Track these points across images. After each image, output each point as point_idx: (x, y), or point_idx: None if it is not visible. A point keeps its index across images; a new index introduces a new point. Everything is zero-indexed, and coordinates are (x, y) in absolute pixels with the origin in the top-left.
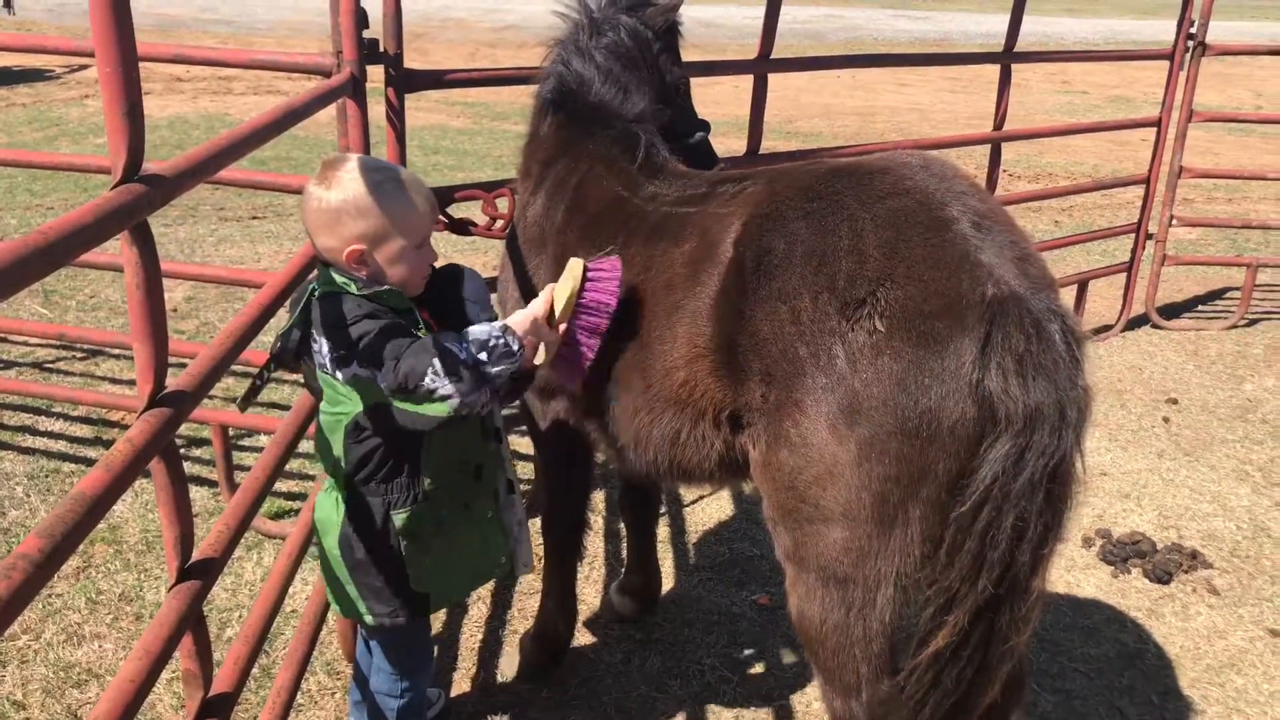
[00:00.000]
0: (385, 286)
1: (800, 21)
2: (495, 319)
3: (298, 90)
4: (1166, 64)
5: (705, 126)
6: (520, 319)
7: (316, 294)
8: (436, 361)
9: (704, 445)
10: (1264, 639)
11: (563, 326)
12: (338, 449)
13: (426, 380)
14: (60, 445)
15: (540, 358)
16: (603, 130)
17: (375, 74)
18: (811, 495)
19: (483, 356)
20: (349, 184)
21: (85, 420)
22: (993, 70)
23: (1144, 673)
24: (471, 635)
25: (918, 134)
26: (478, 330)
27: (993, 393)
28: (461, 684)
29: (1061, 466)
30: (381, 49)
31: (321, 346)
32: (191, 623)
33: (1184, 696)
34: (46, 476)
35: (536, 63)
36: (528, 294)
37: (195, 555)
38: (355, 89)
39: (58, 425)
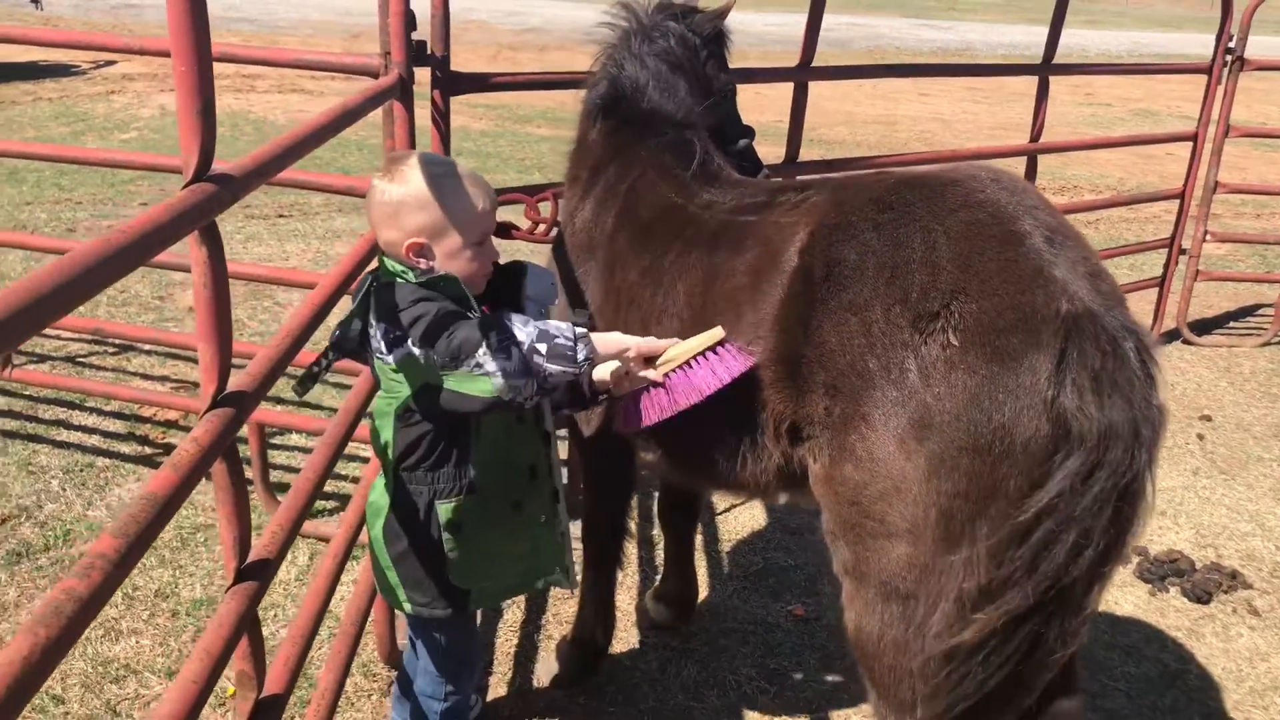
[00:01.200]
0: (443, 273)
1: (823, 29)
2: (581, 312)
3: (322, 90)
4: (1196, 77)
5: (750, 133)
6: (611, 340)
7: (378, 283)
8: (492, 336)
9: (762, 457)
10: None
11: (658, 375)
12: (387, 434)
13: (478, 353)
14: (95, 440)
15: (617, 389)
16: (655, 137)
17: (417, 74)
18: (876, 510)
19: (541, 348)
20: (411, 178)
21: (118, 415)
22: (1014, 81)
23: (1186, 694)
24: (507, 640)
25: (940, 143)
26: (554, 324)
27: (1068, 410)
28: (497, 688)
29: (1133, 486)
30: (429, 51)
31: (377, 331)
32: (248, 624)
33: (1228, 719)
34: (81, 471)
35: (559, 65)
36: (574, 300)
37: (250, 556)
38: (403, 91)
39: (91, 420)
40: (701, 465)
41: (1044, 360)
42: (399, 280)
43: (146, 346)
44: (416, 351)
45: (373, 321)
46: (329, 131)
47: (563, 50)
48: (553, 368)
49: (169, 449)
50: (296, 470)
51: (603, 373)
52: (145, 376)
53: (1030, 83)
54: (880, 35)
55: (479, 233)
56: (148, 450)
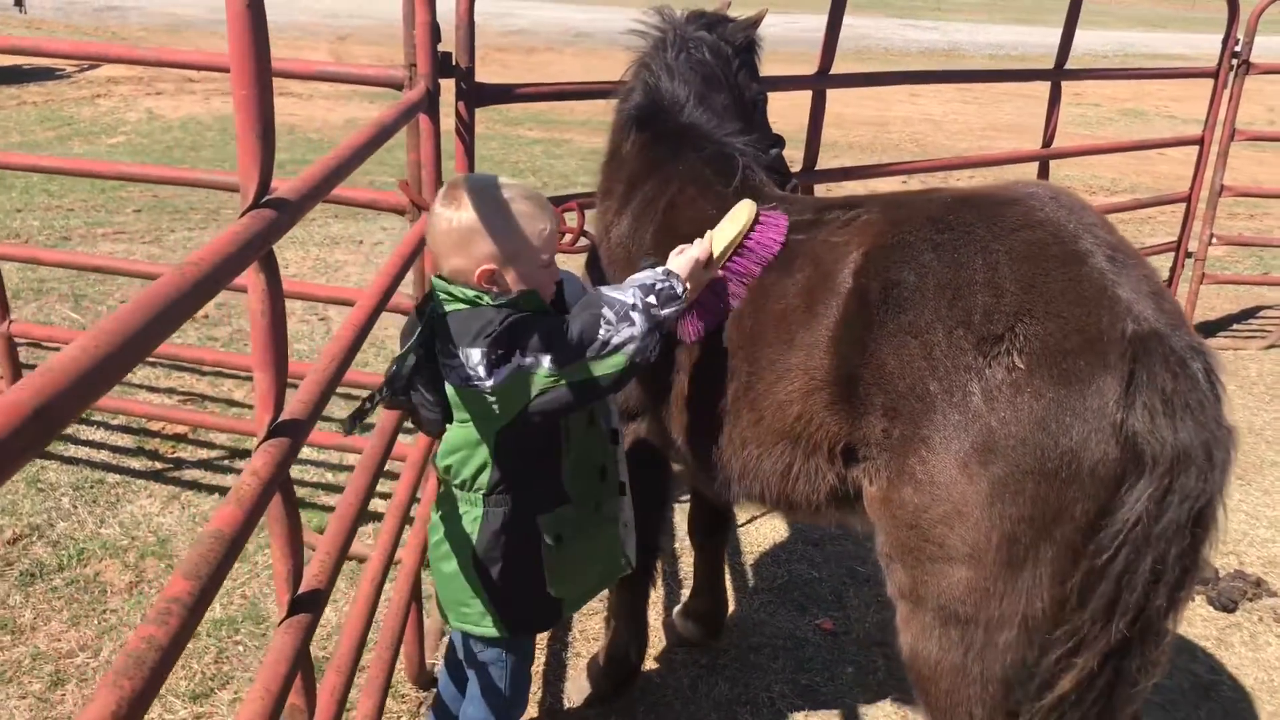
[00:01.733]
0: (521, 289)
1: (810, 30)
2: (650, 254)
3: (310, 93)
4: (1181, 80)
5: (780, 142)
6: (682, 262)
7: (439, 314)
8: (607, 311)
9: (816, 479)
10: None
11: (720, 271)
12: (477, 462)
13: (601, 331)
14: (103, 455)
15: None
16: (694, 151)
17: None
18: (936, 534)
19: (651, 300)
20: (479, 204)
21: (126, 430)
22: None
23: (1220, 706)
24: (536, 659)
25: (933, 144)
26: (640, 275)
27: (1138, 433)
28: (529, 709)
29: (1207, 509)
30: (454, 62)
31: (467, 358)
32: (304, 659)
33: None
34: (92, 487)
35: (546, 66)
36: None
37: (301, 587)
38: (430, 104)
39: (99, 435)
40: (751, 484)
41: (1112, 383)
42: (470, 307)
43: (149, 359)
44: (528, 361)
45: (453, 352)
46: (369, 149)
47: (550, 51)
48: (667, 311)
49: (179, 464)
50: (306, 484)
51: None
52: (151, 389)
53: (1013, 84)
54: (867, 35)
55: (548, 254)
56: (158, 465)
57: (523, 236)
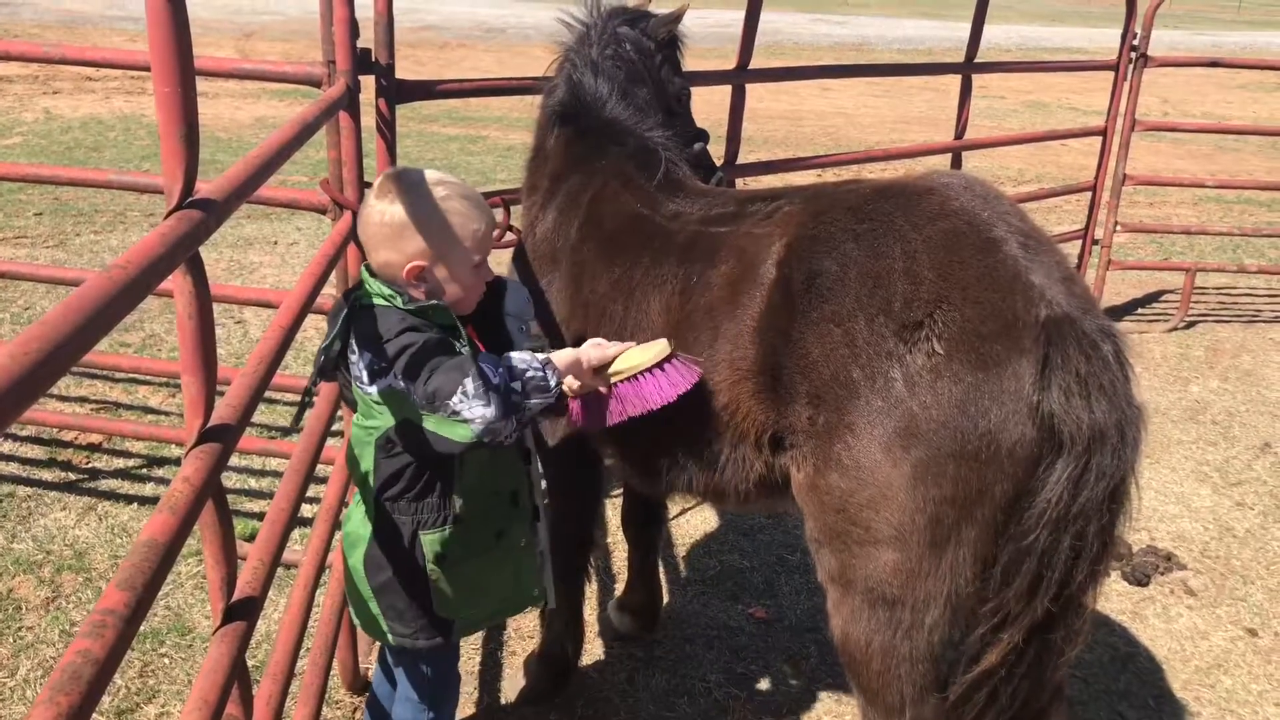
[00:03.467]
0: (433, 302)
1: (722, 25)
2: (537, 336)
3: (217, 91)
4: (1081, 73)
5: (704, 136)
6: (566, 357)
7: (360, 305)
8: (468, 382)
9: (744, 467)
10: (1244, 639)
11: (605, 386)
12: (367, 464)
13: (453, 400)
14: (12, 468)
15: (568, 389)
16: (616, 145)
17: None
18: (863, 518)
19: (516, 386)
20: (414, 199)
21: (35, 441)
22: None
23: (1137, 676)
24: (469, 658)
25: (846, 137)
26: (518, 358)
27: (1055, 414)
28: (465, 708)
29: (1122, 486)
30: (374, 59)
31: (360, 359)
32: (240, 668)
33: (1178, 699)
34: (1, 502)
35: (458, 62)
36: (538, 309)
37: (234, 595)
38: (351, 101)
39: (7, 446)
40: (680, 475)
41: (1028, 366)
42: (383, 304)
43: None
44: (400, 385)
45: (354, 347)
46: (292, 147)
47: (463, 47)
48: (532, 401)
49: (95, 474)
50: (231, 491)
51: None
52: (62, 398)
53: (923, 78)
54: (778, 30)
55: (480, 255)
56: (72, 476)
57: (455, 236)
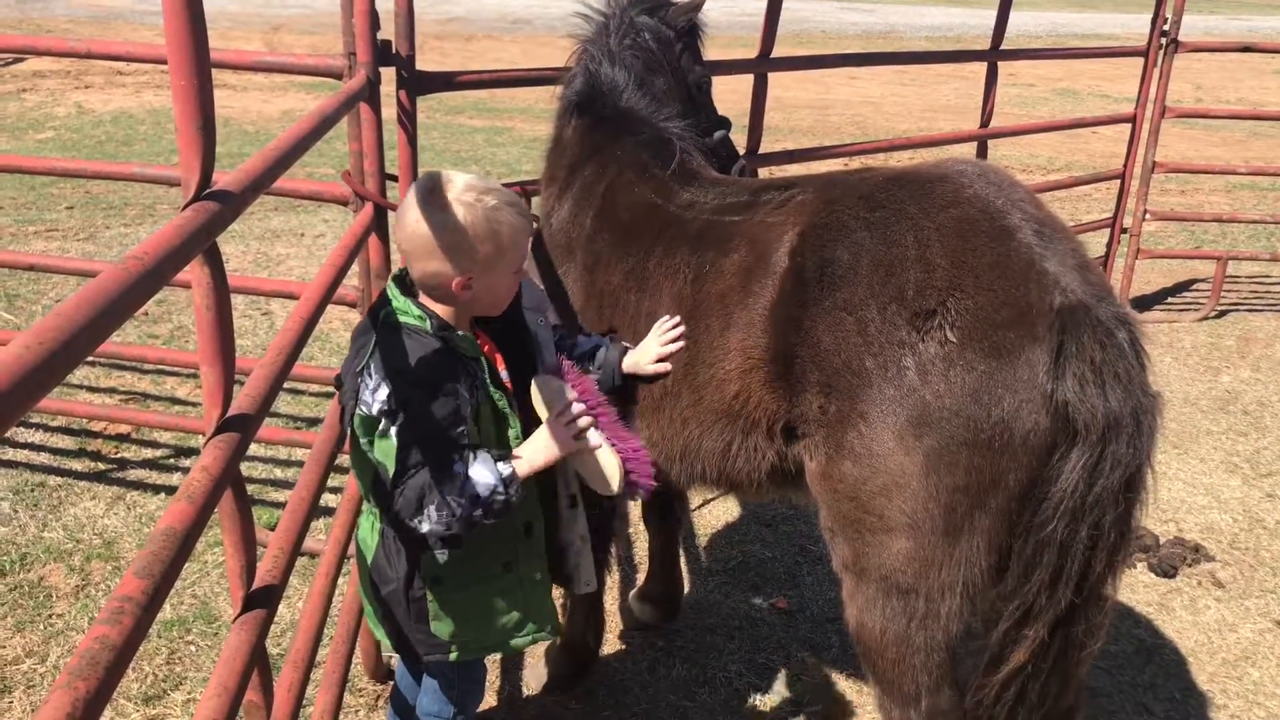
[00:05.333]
0: (461, 333)
1: (748, 14)
2: (556, 328)
3: (245, 85)
4: (1111, 59)
5: (726, 124)
6: (537, 458)
7: (388, 324)
8: (432, 508)
9: (755, 456)
10: (1273, 631)
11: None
12: (368, 478)
13: (413, 521)
14: (43, 458)
15: (614, 484)
16: (632, 135)
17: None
18: (876, 506)
19: (478, 514)
20: (469, 211)
21: (66, 431)
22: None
23: (1163, 668)
24: None
25: (873, 126)
26: (482, 483)
27: (1069, 402)
28: (486, 697)
29: (1138, 474)
30: (394, 50)
31: (372, 385)
32: (260, 655)
33: (1204, 692)
34: (32, 491)
35: (484, 54)
36: (555, 299)
37: (254, 583)
38: (371, 93)
39: (38, 437)
40: (694, 466)
41: (1042, 354)
42: (409, 330)
43: (87, 358)
44: (392, 439)
45: (371, 369)
46: (311, 139)
47: (489, 39)
48: (488, 520)
49: (123, 464)
50: (253, 481)
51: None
52: (91, 389)
53: (951, 66)
54: (805, 19)
55: (523, 260)
56: (101, 466)
57: (506, 247)
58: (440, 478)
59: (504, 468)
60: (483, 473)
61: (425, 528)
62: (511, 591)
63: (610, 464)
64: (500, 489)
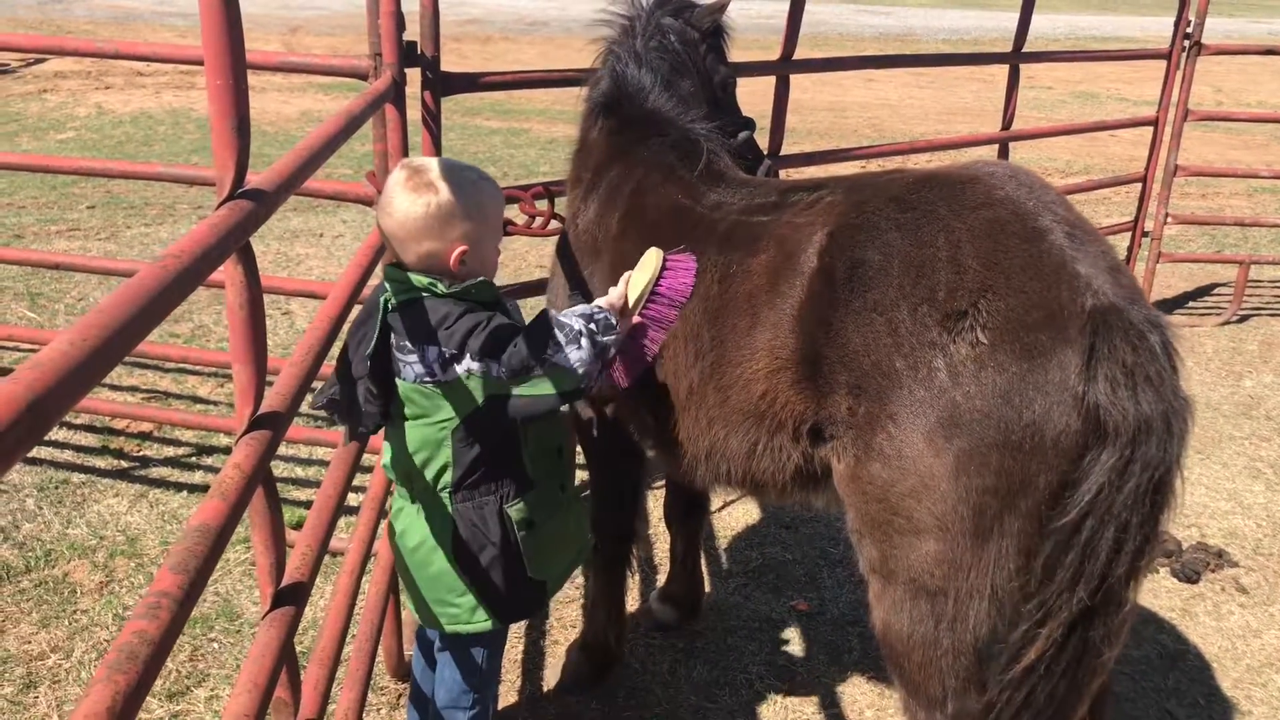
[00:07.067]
0: (478, 279)
1: (765, 17)
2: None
3: (264, 86)
4: (1132, 62)
5: (750, 125)
6: (602, 304)
7: (392, 304)
8: (558, 332)
9: (781, 457)
10: None
11: (635, 319)
12: (444, 458)
13: (549, 350)
14: (67, 455)
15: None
16: (659, 136)
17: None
18: (905, 508)
19: (593, 327)
20: (450, 186)
21: (89, 429)
22: (956, 68)
23: (1187, 674)
24: (512, 646)
25: (890, 129)
26: (575, 309)
27: (1100, 405)
28: (508, 696)
29: (1166, 478)
30: (420, 51)
31: (421, 354)
32: (289, 653)
33: (1229, 698)
34: (57, 488)
35: (502, 55)
36: (581, 301)
37: (283, 580)
38: (397, 93)
39: (62, 434)
40: (719, 466)
41: (1073, 356)
42: (426, 295)
43: None
44: (477, 366)
45: (406, 346)
46: (340, 139)
47: (506, 40)
48: (606, 339)
49: (146, 462)
50: (278, 479)
51: None
52: (114, 387)
53: (968, 69)
54: (823, 21)
55: (502, 231)
56: (124, 464)
57: (494, 216)
58: (540, 322)
59: (586, 305)
60: (570, 310)
61: (563, 359)
62: (570, 508)
63: (647, 268)
64: (597, 309)
